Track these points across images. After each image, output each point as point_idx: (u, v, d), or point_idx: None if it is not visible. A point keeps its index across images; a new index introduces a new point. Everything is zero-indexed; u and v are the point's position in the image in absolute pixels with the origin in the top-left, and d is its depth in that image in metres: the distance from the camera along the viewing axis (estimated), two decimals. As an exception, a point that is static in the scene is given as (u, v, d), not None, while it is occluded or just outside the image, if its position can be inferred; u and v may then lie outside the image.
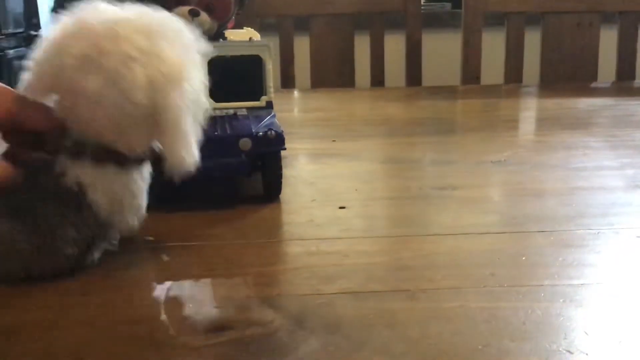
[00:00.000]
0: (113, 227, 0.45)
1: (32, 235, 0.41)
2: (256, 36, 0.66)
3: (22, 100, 0.43)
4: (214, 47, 0.57)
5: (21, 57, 1.99)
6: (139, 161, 0.45)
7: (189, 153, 0.43)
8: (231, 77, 0.58)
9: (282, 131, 0.55)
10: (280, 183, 0.58)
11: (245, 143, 0.54)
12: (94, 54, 0.40)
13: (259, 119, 0.57)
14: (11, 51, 1.97)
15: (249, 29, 0.70)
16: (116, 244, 0.47)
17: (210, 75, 0.56)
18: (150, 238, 0.49)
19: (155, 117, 0.42)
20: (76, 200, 0.43)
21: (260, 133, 0.55)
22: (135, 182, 0.46)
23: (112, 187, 0.44)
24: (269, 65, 0.59)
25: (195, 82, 0.43)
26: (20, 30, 2.07)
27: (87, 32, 0.41)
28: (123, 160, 0.44)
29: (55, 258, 0.42)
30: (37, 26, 2.15)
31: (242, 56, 0.59)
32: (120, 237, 0.47)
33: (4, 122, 0.43)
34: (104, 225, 0.44)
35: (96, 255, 0.45)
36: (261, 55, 0.59)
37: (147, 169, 0.47)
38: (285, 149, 0.56)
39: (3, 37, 1.94)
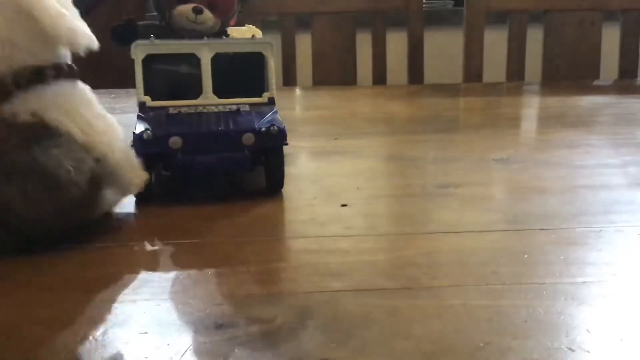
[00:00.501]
0: (94, 147, 0.47)
1: (31, 190, 0.43)
2: (258, 33, 0.66)
3: None
4: (217, 44, 0.58)
5: None
6: (57, 71, 0.47)
7: (73, 22, 0.46)
8: (234, 73, 0.59)
9: (284, 127, 0.56)
10: (283, 177, 0.58)
11: (248, 138, 0.55)
12: None
13: (262, 114, 0.57)
14: None
15: (251, 26, 0.70)
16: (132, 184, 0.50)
17: (214, 71, 0.57)
18: (155, 237, 0.49)
19: (22, 10, 0.44)
20: (40, 130, 0.45)
21: (263, 128, 0.55)
22: (76, 91, 0.49)
23: (60, 101, 0.47)
24: (271, 62, 0.60)
25: None
26: None
27: None
28: (43, 75, 0.46)
29: (65, 198, 0.44)
30: None
31: (244, 53, 0.59)
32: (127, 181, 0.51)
33: None
34: (85, 148, 0.47)
35: (110, 195, 0.48)
36: (263, 52, 0.59)
37: (79, 83, 0.50)
38: (287, 144, 0.56)
39: None
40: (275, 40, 1.28)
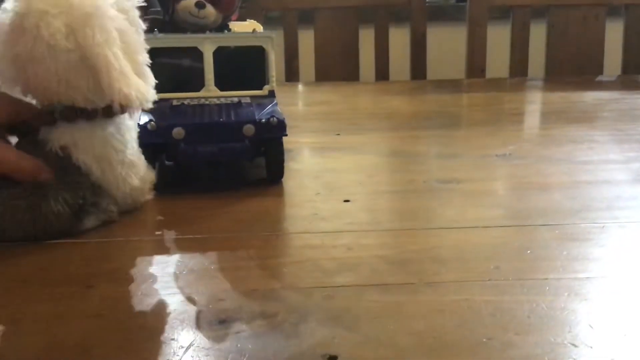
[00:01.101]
0: (109, 189, 0.50)
1: (26, 196, 0.45)
2: (259, 28, 0.67)
3: (13, 98, 0.49)
4: (219, 38, 0.59)
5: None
6: (106, 113, 0.49)
7: (130, 86, 0.47)
8: (235, 67, 0.60)
9: (284, 118, 0.57)
10: (283, 167, 0.60)
11: (249, 129, 0.56)
12: (17, 20, 0.45)
13: (262, 106, 0.59)
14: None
15: (252, 21, 0.70)
16: (114, 213, 0.50)
17: (216, 65, 0.58)
18: (158, 232, 0.49)
19: (86, 61, 0.46)
20: (63, 164, 0.47)
21: (263, 120, 0.57)
22: (114, 136, 0.50)
23: (93, 143, 0.49)
24: (271, 55, 0.61)
25: (115, 15, 0.48)
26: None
27: (7, 9, 0.46)
28: (90, 114, 0.48)
29: (47, 216, 0.46)
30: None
31: (245, 47, 0.61)
32: (123, 207, 0.51)
33: (9, 120, 0.49)
34: (98, 187, 0.49)
35: (92, 222, 0.49)
36: (264, 46, 0.61)
37: (124, 124, 0.51)
38: (286, 134, 0.57)
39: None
40: (278, 35, 1.28)
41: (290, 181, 0.61)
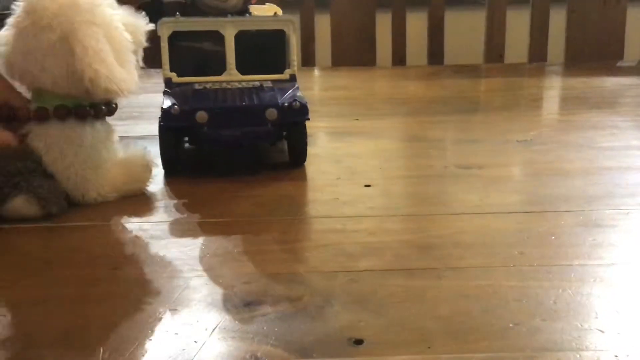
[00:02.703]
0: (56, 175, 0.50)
1: None
2: (279, 12, 0.67)
3: (8, 82, 0.51)
4: (241, 21, 0.59)
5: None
6: (96, 114, 0.51)
7: (105, 66, 0.48)
8: (256, 50, 0.60)
9: (306, 102, 0.57)
10: (306, 151, 0.60)
11: (272, 113, 0.56)
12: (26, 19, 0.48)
13: (284, 90, 0.59)
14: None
15: (271, 4, 0.70)
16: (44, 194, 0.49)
17: (237, 48, 0.58)
18: (182, 215, 0.49)
19: (64, 41, 0.48)
20: (29, 169, 0.48)
21: (286, 104, 0.56)
22: (89, 139, 0.51)
23: (66, 153, 0.50)
24: (292, 39, 0.60)
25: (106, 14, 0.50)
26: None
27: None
28: (81, 114, 0.50)
29: None
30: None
31: (267, 31, 0.60)
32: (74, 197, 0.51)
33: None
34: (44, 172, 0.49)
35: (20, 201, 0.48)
36: (285, 29, 0.60)
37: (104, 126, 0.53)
38: (309, 119, 0.57)
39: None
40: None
41: (310, 166, 0.61)
